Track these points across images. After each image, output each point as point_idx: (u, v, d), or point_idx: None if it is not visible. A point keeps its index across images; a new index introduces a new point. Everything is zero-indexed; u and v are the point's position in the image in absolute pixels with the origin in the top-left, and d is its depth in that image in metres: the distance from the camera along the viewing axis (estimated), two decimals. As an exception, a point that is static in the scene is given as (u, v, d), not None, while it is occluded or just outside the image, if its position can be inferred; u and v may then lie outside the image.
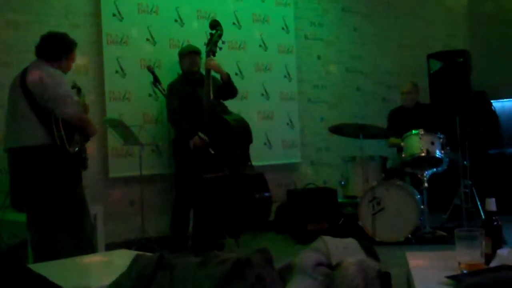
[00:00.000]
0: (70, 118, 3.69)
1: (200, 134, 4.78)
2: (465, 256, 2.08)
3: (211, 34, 4.96)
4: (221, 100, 5.21)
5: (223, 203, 4.89)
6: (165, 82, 5.02)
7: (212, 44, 4.90)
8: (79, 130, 3.77)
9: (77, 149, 3.73)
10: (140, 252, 2.04)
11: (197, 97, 4.99)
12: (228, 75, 5.08)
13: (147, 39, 5.44)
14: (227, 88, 5.10)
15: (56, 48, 3.87)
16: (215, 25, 4.95)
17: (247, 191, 4.96)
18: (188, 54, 5.18)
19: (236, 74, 6.02)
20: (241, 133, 5.10)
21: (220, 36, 4.90)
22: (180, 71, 5.31)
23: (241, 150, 5.11)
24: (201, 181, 4.83)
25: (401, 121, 5.96)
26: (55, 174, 3.67)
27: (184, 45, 5.45)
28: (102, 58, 5.25)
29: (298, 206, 5.55)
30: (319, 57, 6.90)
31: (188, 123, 4.94)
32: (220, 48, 4.94)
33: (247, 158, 5.13)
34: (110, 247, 4.58)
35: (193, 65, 5.13)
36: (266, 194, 5.07)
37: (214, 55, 4.91)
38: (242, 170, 5.02)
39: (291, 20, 6.54)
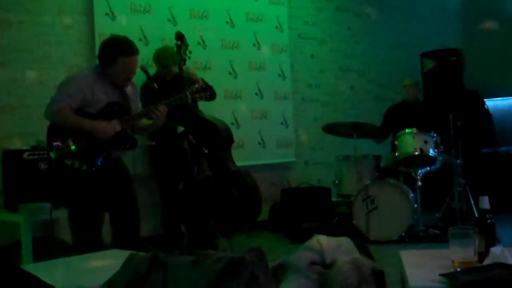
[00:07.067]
0: (48, 119, 3.52)
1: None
2: (458, 254, 2.09)
3: (177, 45, 4.88)
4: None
5: (214, 202, 4.92)
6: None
7: (183, 54, 4.91)
8: (76, 132, 3.47)
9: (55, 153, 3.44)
10: (134, 252, 2.03)
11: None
12: (203, 80, 5.07)
13: (140, 39, 5.40)
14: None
15: (99, 55, 3.63)
16: (180, 36, 4.92)
17: (236, 189, 5.02)
18: (160, 66, 5.09)
19: (230, 73, 6.02)
20: (227, 133, 5.22)
21: (187, 46, 4.92)
22: None
23: (227, 150, 5.22)
24: (193, 181, 4.84)
25: (401, 117, 5.94)
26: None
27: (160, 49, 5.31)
28: (95, 58, 5.21)
29: (292, 205, 5.56)
30: (312, 56, 6.90)
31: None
32: (189, 58, 4.91)
33: (231, 158, 5.24)
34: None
35: (166, 75, 5.06)
36: (255, 192, 5.13)
37: (185, 64, 4.95)
38: (229, 169, 5.10)
39: (285, 19, 6.54)
